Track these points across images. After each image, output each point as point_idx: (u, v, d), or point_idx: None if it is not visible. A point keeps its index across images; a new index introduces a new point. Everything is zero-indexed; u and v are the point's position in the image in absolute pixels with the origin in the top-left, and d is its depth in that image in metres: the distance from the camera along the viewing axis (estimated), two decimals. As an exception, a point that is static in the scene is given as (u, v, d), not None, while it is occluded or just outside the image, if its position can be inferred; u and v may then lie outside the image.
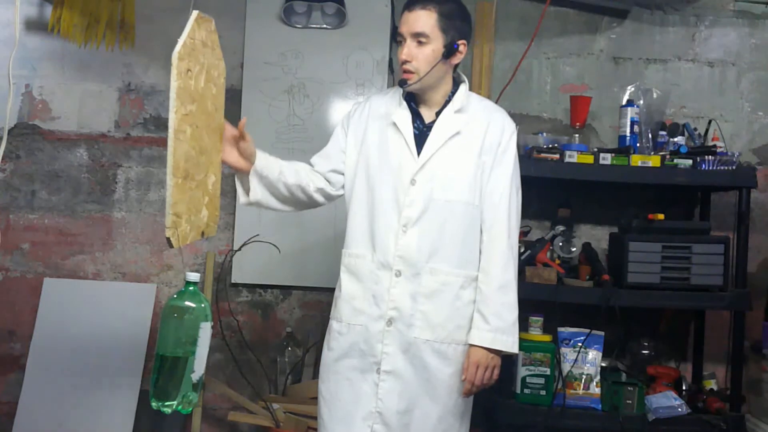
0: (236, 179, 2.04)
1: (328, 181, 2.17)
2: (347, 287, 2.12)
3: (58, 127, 3.22)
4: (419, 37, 2.01)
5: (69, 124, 3.22)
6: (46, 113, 3.22)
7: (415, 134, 2.10)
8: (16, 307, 3.18)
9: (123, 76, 3.22)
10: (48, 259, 3.20)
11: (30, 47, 3.20)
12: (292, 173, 2.10)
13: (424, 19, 2.01)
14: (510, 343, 2.07)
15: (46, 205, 3.21)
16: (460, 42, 2.05)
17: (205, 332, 1.63)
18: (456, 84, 2.16)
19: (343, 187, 2.19)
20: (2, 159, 2.96)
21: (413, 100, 2.13)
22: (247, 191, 2.04)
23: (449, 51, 2.03)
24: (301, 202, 2.15)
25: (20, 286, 3.19)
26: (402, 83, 2.06)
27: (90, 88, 3.22)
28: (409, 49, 2.02)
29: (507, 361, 2.18)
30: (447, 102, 2.13)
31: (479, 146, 2.09)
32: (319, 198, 2.18)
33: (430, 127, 2.11)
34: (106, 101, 3.22)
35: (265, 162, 2.03)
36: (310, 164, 2.18)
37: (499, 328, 2.05)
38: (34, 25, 3.19)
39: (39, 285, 3.15)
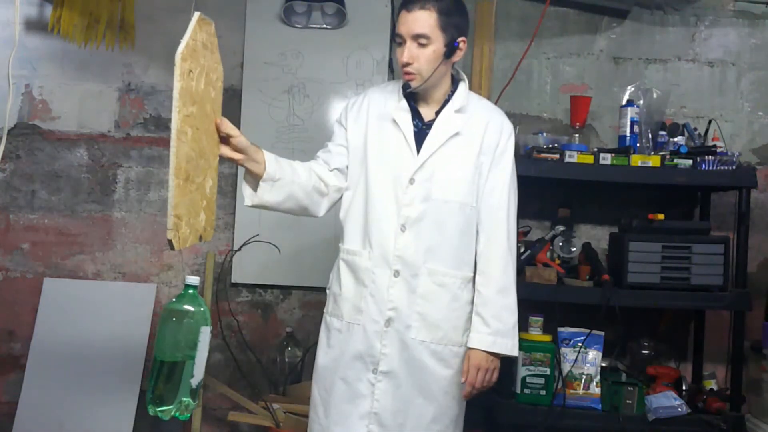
0: (243, 179, 1.98)
1: (330, 172, 2.13)
2: (347, 285, 2.10)
3: (58, 127, 3.22)
4: (420, 39, 1.98)
5: (69, 124, 3.22)
6: (46, 113, 3.22)
7: (414, 132, 2.08)
8: (16, 307, 3.18)
9: (123, 76, 3.22)
10: (48, 259, 3.20)
11: (30, 47, 3.19)
12: (305, 172, 2.04)
13: (425, 20, 1.97)
14: (510, 346, 2.07)
15: (46, 205, 3.21)
16: (459, 40, 2.03)
17: (205, 336, 1.62)
18: (455, 82, 2.14)
19: (345, 176, 2.15)
20: (2, 159, 2.96)
21: (412, 98, 2.11)
22: (253, 191, 1.97)
23: (450, 50, 2.02)
24: (314, 202, 2.09)
25: (20, 286, 3.19)
26: (406, 87, 2.04)
27: (90, 88, 3.22)
28: (410, 51, 1.99)
29: (507, 361, 2.18)
30: (447, 101, 2.11)
31: (478, 147, 2.08)
32: (336, 196, 2.14)
33: (429, 125, 2.09)
34: (106, 101, 3.22)
35: (277, 166, 1.96)
36: (323, 162, 2.13)
37: (499, 331, 2.05)
38: (34, 25, 3.19)
39: (39, 285, 3.15)
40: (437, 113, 2.10)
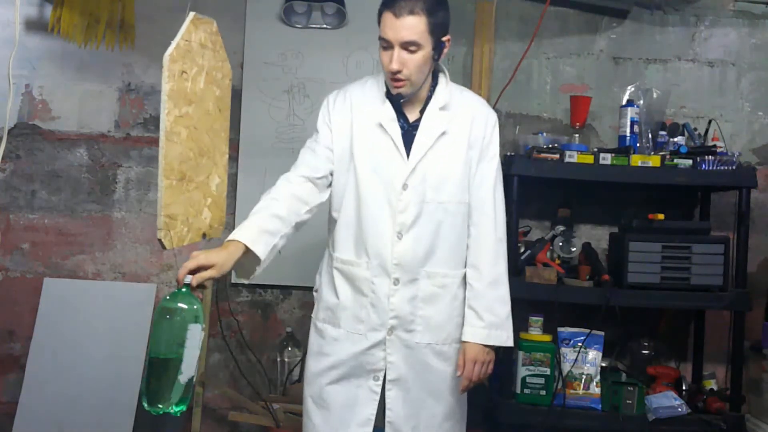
0: (234, 269, 1.86)
1: (316, 187, 2.04)
2: (345, 294, 2.06)
3: (58, 127, 3.22)
4: (410, 46, 1.92)
5: (69, 124, 3.22)
6: (46, 113, 3.22)
7: (401, 134, 2.04)
8: (16, 307, 3.18)
9: (123, 76, 3.22)
10: (48, 259, 3.20)
11: (30, 47, 3.19)
12: (286, 216, 1.95)
13: (415, 26, 1.90)
14: (504, 338, 2.06)
15: (46, 205, 3.21)
16: (445, 39, 1.99)
17: (194, 334, 1.61)
18: (434, 75, 2.08)
19: (328, 186, 2.07)
20: (2, 159, 2.96)
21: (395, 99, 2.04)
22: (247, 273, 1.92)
23: (438, 52, 1.99)
24: (298, 227, 2.02)
25: (20, 286, 3.19)
26: (399, 97, 1.99)
27: (90, 88, 3.22)
28: (399, 58, 1.92)
29: (507, 361, 2.18)
30: (429, 97, 2.07)
31: (466, 143, 2.05)
32: (318, 207, 2.07)
33: (415, 125, 2.05)
34: (106, 101, 3.22)
35: (264, 245, 1.87)
36: (311, 168, 2.04)
37: (492, 323, 2.03)
38: (34, 25, 3.18)
39: (39, 285, 3.14)
40: (421, 112, 2.06)
